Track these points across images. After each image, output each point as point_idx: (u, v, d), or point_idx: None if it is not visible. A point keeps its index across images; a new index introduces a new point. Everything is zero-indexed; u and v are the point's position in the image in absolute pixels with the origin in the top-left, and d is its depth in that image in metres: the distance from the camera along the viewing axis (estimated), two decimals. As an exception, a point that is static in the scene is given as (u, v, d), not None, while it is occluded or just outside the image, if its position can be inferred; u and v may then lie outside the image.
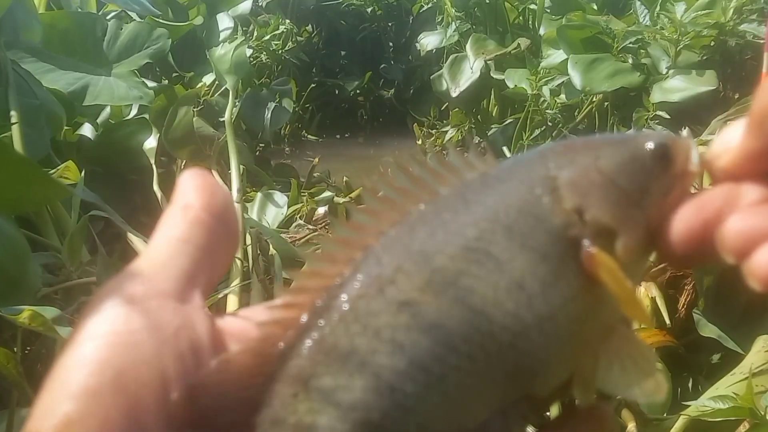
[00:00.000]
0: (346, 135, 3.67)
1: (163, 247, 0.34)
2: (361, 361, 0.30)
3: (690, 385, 1.04)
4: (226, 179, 1.86)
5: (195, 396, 0.30)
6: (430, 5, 3.70)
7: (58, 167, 1.41)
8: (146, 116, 2.02)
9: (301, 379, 0.30)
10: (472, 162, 0.34)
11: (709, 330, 1.01)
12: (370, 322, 0.31)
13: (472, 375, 0.31)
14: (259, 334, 0.31)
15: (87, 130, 1.92)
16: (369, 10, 3.98)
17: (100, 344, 0.30)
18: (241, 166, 1.94)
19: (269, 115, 2.59)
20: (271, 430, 0.30)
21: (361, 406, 0.30)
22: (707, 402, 0.79)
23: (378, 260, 0.32)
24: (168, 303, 0.32)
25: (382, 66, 3.83)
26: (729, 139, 0.33)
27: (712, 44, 1.93)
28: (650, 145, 0.34)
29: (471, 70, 2.62)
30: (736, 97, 1.93)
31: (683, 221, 0.32)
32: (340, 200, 2.20)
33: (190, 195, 0.35)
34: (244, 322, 0.34)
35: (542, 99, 2.25)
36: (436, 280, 0.31)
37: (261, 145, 2.91)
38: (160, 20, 2.35)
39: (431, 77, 2.95)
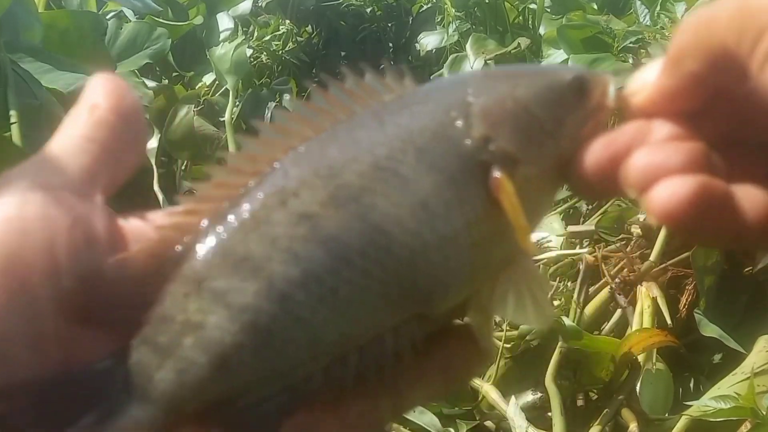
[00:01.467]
0: (346, 135, 3.67)
1: (66, 144, 0.33)
2: (255, 267, 0.30)
3: (692, 385, 1.04)
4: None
5: (88, 289, 0.30)
6: (430, 5, 3.70)
7: (58, 167, 1.40)
8: (146, 116, 2.01)
9: (195, 279, 0.31)
10: (390, 84, 0.34)
11: (710, 330, 1.00)
12: (269, 231, 0.31)
13: (366, 290, 0.31)
14: (158, 236, 0.31)
15: (87, 130, 1.91)
16: (369, 10, 3.98)
17: None
18: (242, 166, 1.94)
19: (270, 115, 2.59)
20: (159, 326, 0.30)
21: (251, 310, 0.30)
22: (709, 402, 0.79)
23: (285, 173, 0.32)
24: (65, 196, 0.31)
25: (382, 66, 3.83)
26: (646, 77, 0.33)
27: (712, 44, 1.93)
28: (568, 78, 0.35)
29: (471, 69, 2.62)
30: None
31: (593, 155, 0.33)
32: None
33: (98, 95, 0.35)
34: (146, 226, 0.34)
35: (542, 99, 2.24)
36: (340, 195, 0.31)
37: (261, 145, 2.90)
38: (160, 20, 2.35)
39: (431, 77, 2.95)
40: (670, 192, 0.30)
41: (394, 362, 0.32)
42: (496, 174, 0.32)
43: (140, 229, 0.34)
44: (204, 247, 0.31)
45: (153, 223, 0.34)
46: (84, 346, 0.30)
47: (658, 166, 0.31)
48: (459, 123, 0.33)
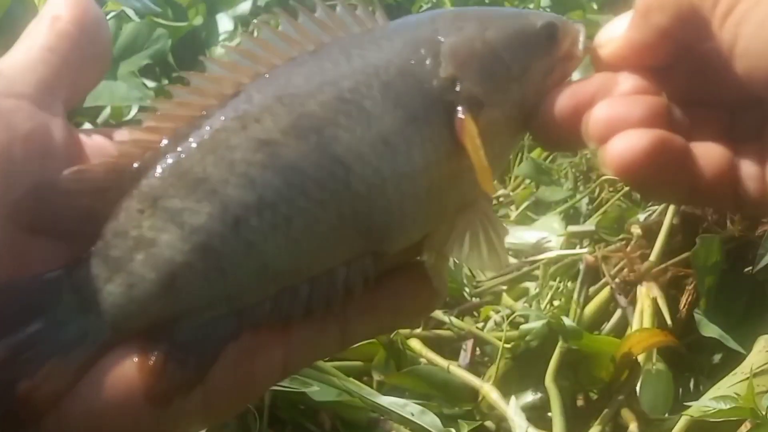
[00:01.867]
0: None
1: (25, 54, 0.33)
2: (211, 189, 0.31)
3: (692, 385, 1.04)
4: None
5: (41, 199, 0.30)
6: (430, 5, 3.70)
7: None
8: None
9: (150, 197, 0.31)
10: (361, 18, 0.34)
11: (710, 330, 1.00)
12: (227, 154, 0.31)
13: (321, 222, 0.31)
14: (117, 151, 0.31)
15: (87, 130, 1.91)
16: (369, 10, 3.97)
17: None
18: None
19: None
20: (112, 241, 0.31)
21: (204, 231, 0.31)
22: (709, 402, 0.79)
23: (248, 98, 0.32)
24: (24, 105, 0.31)
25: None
26: (615, 30, 0.34)
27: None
28: (539, 24, 0.34)
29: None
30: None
31: (557, 103, 0.33)
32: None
33: (60, 7, 0.34)
34: (108, 142, 0.34)
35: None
36: (302, 124, 0.31)
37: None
38: (160, 20, 2.35)
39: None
40: (627, 144, 0.30)
41: (345, 296, 0.32)
42: (461, 115, 0.32)
43: (101, 144, 0.34)
44: (162, 166, 0.31)
45: (115, 140, 0.34)
46: (36, 257, 0.30)
47: (617, 118, 0.31)
48: (427, 61, 0.33)
